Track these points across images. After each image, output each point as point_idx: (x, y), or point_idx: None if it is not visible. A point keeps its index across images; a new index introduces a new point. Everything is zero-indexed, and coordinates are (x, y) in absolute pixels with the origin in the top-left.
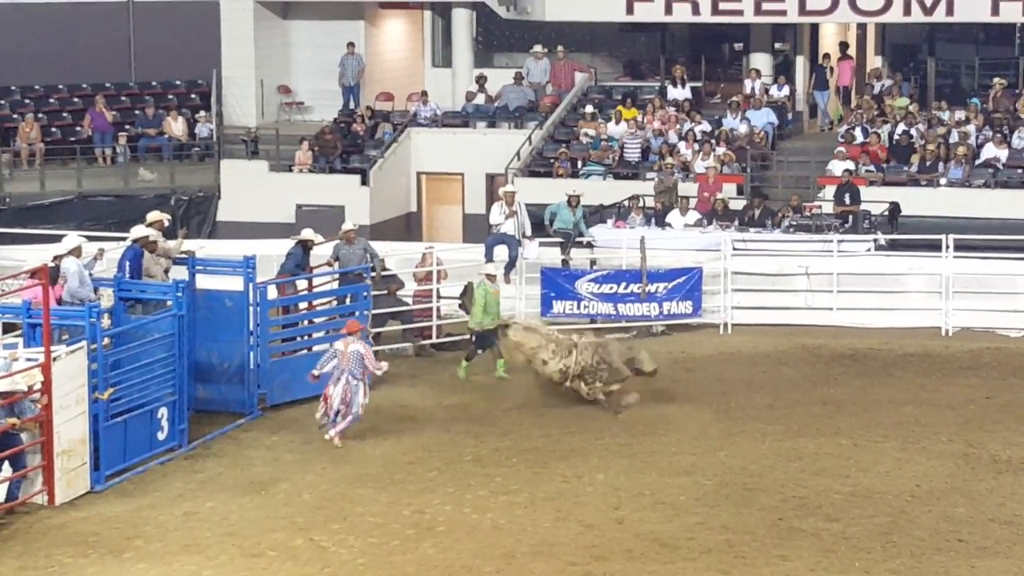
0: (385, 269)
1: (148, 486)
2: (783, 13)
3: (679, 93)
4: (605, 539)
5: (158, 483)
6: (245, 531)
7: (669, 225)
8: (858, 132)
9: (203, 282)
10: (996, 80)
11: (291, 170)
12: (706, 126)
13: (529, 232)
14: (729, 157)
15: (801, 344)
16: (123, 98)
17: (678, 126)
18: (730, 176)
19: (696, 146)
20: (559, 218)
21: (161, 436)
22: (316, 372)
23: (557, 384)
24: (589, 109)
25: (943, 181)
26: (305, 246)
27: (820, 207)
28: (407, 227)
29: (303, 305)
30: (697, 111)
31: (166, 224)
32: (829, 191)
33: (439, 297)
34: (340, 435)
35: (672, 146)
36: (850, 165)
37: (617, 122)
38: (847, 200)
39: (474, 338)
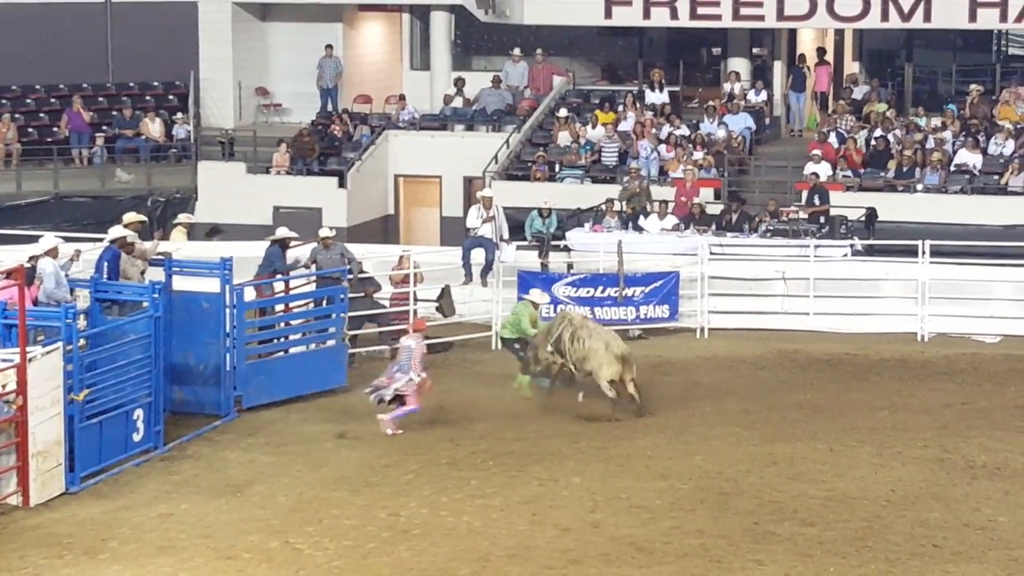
0: (362, 272)
1: (123, 488)
2: (761, 18)
3: (657, 97)
4: (581, 543)
5: (133, 485)
6: (220, 533)
7: (643, 229)
8: (833, 137)
9: (179, 284)
10: (973, 86)
11: (268, 172)
12: (685, 130)
13: (507, 235)
14: (708, 162)
15: (777, 349)
16: (100, 99)
17: (653, 130)
18: (708, 180)
19: (675, 150)
20: (533, 226)
21: (137, 438)
22: None
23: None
24: (563, 113)
25: (920, 187)
26: (282, 245)
27: (797, 212)
28: (384, 230)
29: (280, 307)
30: (677, 115)
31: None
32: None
33: (416, 300)
34: (395, 422)
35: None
36: (821, 168)
37: (594, 126)
38: (816, 201)
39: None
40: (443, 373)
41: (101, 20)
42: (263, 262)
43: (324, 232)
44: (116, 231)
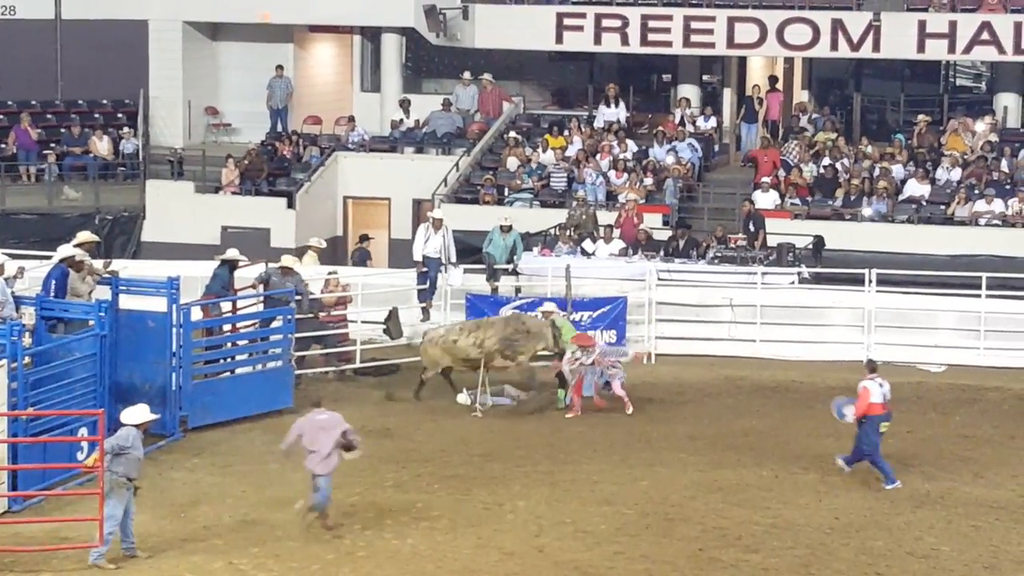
0: (310, 294)
1: (67, 507)
2: (711, 45)
3: (611, 114)
4: (525, 567)
5: (77, 504)
6: (164, 553)
7: (591, 254)
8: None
9: (126, 302)
10: (920, 116)
11: (217, 192)
12: (634, 150)
13: (454, 259)
14: (656, 186)
15: (724, 375)
16: (49, 116)
17: (610, 154)
18: (655, 206)
19: (628, 175)
20: (493, 244)
21: (81, 456)
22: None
23: (476, 361)
24: (512, 135)
25: (867, 211)
26: (231, 266)
27: (744, 239)
28: (333, 251)
29: (227, 327)
30: (628, 134)
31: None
32: None
33: (362, 322)
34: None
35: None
36: (769, 196)
37: (544, 150)
38: (751, 228)
39: None
40: None
41: (51, 37)
42: (211, 283)
43: (287, 260)
44: (66, 250)
